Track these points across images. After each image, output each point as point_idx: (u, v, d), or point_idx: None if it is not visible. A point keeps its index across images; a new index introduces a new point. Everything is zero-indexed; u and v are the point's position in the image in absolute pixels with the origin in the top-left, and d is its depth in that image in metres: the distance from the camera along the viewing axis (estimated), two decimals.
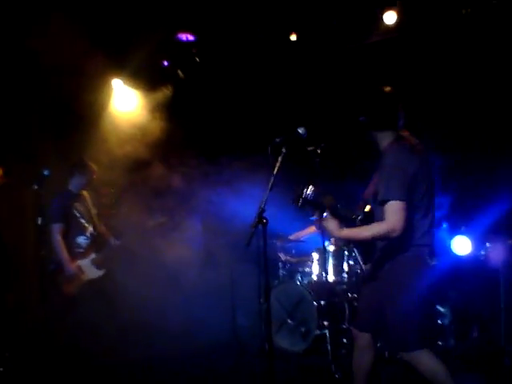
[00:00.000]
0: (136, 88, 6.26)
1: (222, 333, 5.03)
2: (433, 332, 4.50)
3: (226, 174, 6.03)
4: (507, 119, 5.10)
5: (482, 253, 5.37)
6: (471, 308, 5.45)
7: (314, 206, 3.39)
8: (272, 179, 3.43)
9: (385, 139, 3.18)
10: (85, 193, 4.85)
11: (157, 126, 6.01)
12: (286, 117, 6.39)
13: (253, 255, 5.23)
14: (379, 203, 3.00)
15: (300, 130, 3.70)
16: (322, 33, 5.88)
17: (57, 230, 4.47)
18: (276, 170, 3.47)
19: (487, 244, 5.30)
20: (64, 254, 4.43)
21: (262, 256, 3.32)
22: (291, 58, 6.21)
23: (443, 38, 5.37)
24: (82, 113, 5.72)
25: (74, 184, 4.76)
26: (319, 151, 4.57)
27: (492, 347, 4.64)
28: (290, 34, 6.00)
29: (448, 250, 5.37)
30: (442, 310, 5.33)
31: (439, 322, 5.28)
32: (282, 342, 4.91)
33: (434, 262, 3.21)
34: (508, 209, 4.74)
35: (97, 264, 4.56)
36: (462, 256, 5.36)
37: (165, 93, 6.32)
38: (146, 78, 6.34)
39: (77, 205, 4.67)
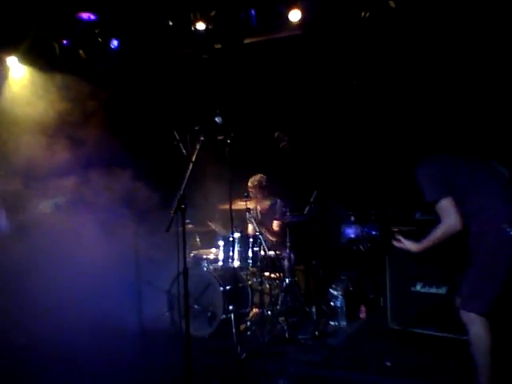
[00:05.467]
0: (33, 66, 5.94)
1: (128, 319, 4.96)
2: None
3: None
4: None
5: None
6: (360, 291, 5.94)
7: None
8: (190, 166, 3.51)
9: None
10: None
11: (53, 107, 5.73)
12: (192, 104, 6.44)
13: (159, 241, 5.23)
14: None
15: (217, 119, 3.83)
16: (231, 24, 5.98)
17: None
18: (194, 156, 3.56)
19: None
20: None
21: (180, 241, 3.38)
22: (198, 46, 6.23)
23: (343, 41, 5.73)
24: None
25: None
26: (229, 141, 4.68)
27: (379, 326, 5.09)
28: (197, 21, 6.01)
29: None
30: (334, 293, 5.75)
31: (332, 303, 5.69)
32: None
33: None
34: None
35: None
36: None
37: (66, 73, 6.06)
38: (44, 57, 6.04)
39: None
